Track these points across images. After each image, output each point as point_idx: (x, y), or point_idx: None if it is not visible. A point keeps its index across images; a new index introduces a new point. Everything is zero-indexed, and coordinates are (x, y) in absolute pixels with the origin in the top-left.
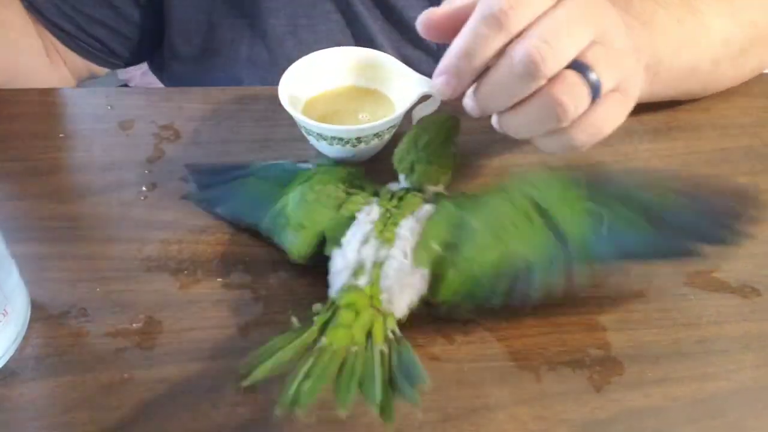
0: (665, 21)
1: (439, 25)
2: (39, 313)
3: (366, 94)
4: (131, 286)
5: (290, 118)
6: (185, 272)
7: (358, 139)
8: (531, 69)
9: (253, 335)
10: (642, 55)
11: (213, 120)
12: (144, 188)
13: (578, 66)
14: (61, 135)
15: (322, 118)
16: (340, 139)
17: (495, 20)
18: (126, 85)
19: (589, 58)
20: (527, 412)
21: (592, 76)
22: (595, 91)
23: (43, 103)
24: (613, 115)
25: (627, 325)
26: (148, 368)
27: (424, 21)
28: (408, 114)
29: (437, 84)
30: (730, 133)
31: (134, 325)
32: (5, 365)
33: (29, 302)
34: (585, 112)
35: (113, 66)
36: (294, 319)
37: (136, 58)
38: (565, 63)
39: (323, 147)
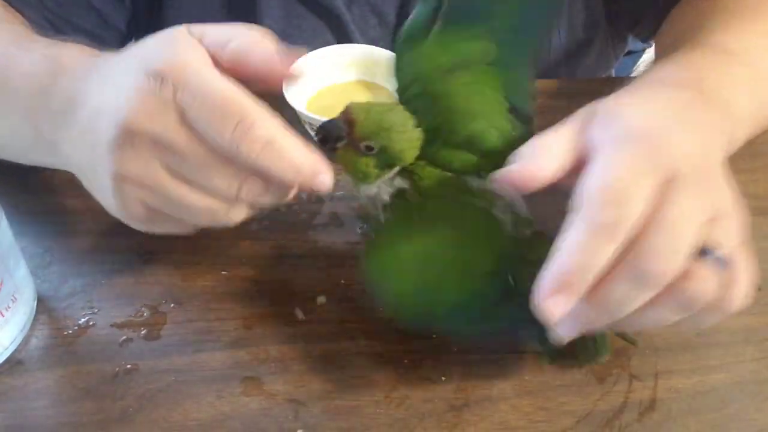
0: (738, 94)
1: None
2: (44, 305)
3: (370, 90)
4: (135, 278)
5: (294, 113)
6: (189, 264)
7: None
8: (660, 281)
9: (256, 328)
10: (722, 152)
11: None
12: None
13: (704, 253)
14: None
15: (327, 114)
16: None
17: (606, 233)
18: None
19: (713, 241)
20: (530, 403)
21: (719, 254)
22: (723, 265)
23: None
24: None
25: None
26: (153, 359)
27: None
28: None
29: (549, 307)
30: None
31: (139, 316)
32: (12, 355)
33: (35, 293)
34: (725, 293)
35: None
36: (298, 311)
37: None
38: (690, 260)
39: None
